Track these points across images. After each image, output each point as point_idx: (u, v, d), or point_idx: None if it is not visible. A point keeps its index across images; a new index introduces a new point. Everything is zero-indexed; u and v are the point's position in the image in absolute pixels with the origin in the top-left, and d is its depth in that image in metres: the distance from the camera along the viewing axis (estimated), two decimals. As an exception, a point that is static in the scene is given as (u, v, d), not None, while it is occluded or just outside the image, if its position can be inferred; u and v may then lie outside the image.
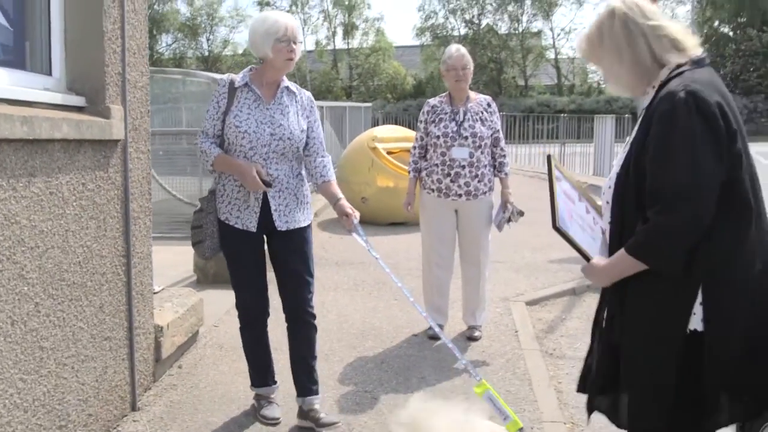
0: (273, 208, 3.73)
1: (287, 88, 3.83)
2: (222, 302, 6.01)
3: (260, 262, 3.86)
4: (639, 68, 2.39)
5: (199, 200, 3.87)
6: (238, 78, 3.75)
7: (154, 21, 44.11)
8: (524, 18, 43.29)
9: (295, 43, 3.69)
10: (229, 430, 3.86)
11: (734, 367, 2.27)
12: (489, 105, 5.29)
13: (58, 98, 3.45)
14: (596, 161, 15.63)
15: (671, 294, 2.29)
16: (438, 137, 5.12)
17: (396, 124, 24.15)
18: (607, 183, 2.46)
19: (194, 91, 12.98)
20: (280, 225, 3.76)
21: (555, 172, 2.62)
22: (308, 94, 3.94)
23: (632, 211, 2.32)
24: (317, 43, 44.93)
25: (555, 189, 2.55)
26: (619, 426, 2.57)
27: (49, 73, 3.55)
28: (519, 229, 5.75)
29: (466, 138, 5.08)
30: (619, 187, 2.39)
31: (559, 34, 44.00)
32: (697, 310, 2.26)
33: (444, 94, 5.39)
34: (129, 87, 3.87)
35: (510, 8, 43.03)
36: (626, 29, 2.38)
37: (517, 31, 43.05)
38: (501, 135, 5.30)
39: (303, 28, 43.82)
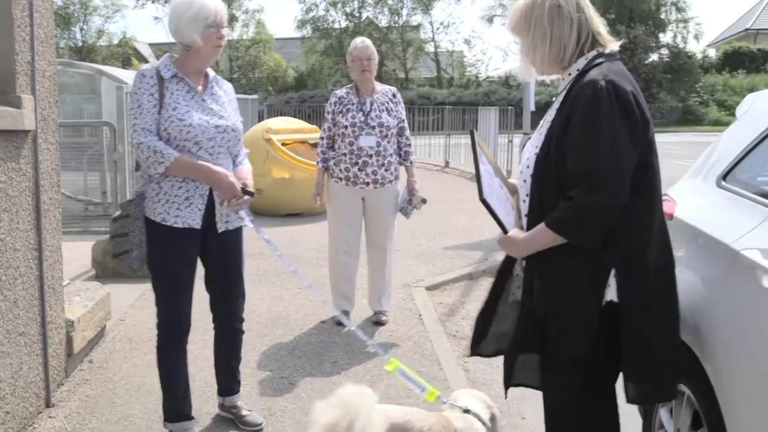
0: (216, 206, 3.48)
1: (215, 77, 3.62)
2: (125, 296, 5.92)
3: (194, 266, 3.53)
4: (560, 52, 2.53)
5: (121, 205, 3.48)
6: (161, 67, 3.41)
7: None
8: (404, 12, 43.77)
9: (223, 27, 3.44)
10: (150, 420, 3.84)
11: (648, 342, 2.44)
12: (394, 96, 5.43)
13: (-33, 88, 3.35)
14: (480, 151, 16.04)
15: (587, 267, 2.43)
16: (346, 127, 5.22)
17: (280, 115, 24.08)
18: (524, 163, 2.58)
19: (75, 82, 12.58)
20: (220, 225, 3.52)
21: (477, 148, 2.70)
22: (228, 84, 3.77)
23: (552, 189, 2.45)
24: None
25: (479, 163, 2.63)
26: (534, 387, 2.73)
27: (-44, 62, 3.43)
28: (414, 218, 5.92)
29: (374, 128, 5.20)
30: (539, 167, 2.50)
31: (438, 28, 44.73)
32: (612, 282, 2.42)
33: (350, 85, 5.48)
34: (38, 76, 3.77)
35: (390, 1, 43.44)
36: (559, 14, 2.51)
37: (397, 24, 43.50)
38: (406, 125, 5.44)
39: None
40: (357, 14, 44.08)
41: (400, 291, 6.37)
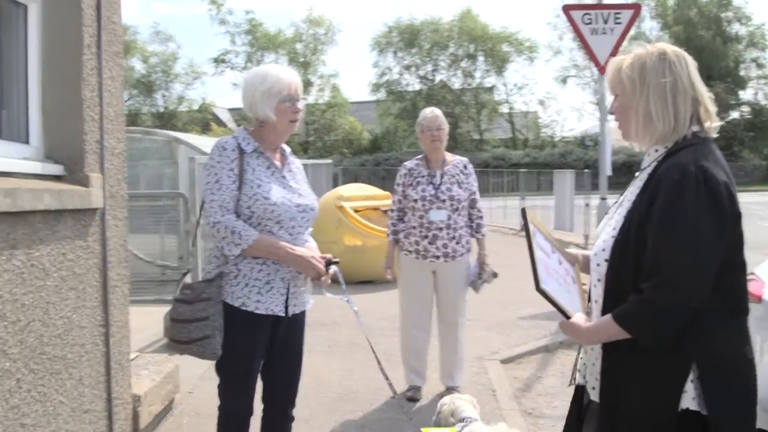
0: (291, 290, 3.32)
1: (290, 152, 3.51)
2: (194, 366, 5.86)
3: (264, 352, 3.36)
4: (664, 128, 2.31)
5: (197, 285, 3.25)
6: (241, 141, 3.27)
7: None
8: (477, 74, 44.13)
9: (299, 100, 3.33)
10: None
11: None
12: (465, 167, 5.33)
13: (37, 167, 3.40)
14: (557, 214, 15.82)
15: (663, 374, 2.24)
16: (416, 200, 5.15)
17: (355, 179, 24.29)
18: (599, 245, 2.41)
19: (155, 147, 12.94)
20: (292, 309, 3.34)
21: (531, 227, 2.52)
22: (298, 159, 3.65)
23: (629, 278, 2.27)
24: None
25: (534, 246, 2.46)
26: None
27: (27, 142, 3.49)
28: (487, 285, 5.77)
29: (444, 201, 5.11)
30: (615, 252, 2.33)
31: (512, 89, 44.73)
32: (688, 387, 2.21)
33: (420, 156, 5.42)
34: (107, 154, 3.82)
35: (463, 64, 43.86)
36: (674, 87, 2.29)
37: (470, 87, 43.81)
38: (477, 196, 5.34)
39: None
40: (431, 77, 44.63)
41: (473, 364, 6.18)
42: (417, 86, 44.62)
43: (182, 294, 3.27)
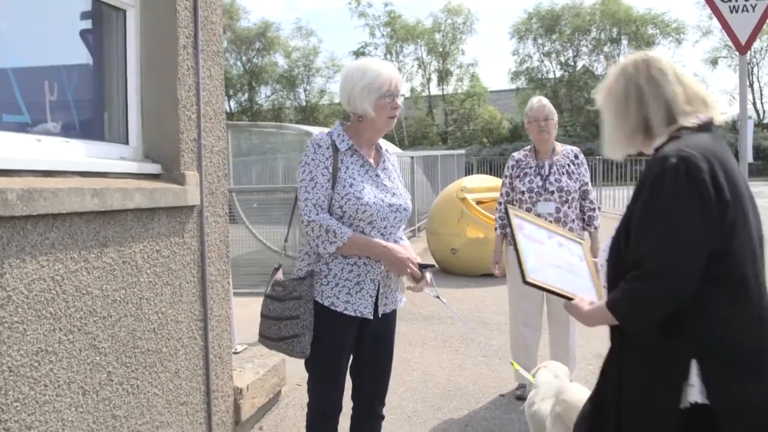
0: (381, 290, 3.30)
1: (386, 150, 3.46)
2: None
3: (352, 351, 3.36)
4: (643, 129, 2.41)
5: (288, 283, 3.24)
6: (335, 138, 3.27)
7: (253, 74, 45.55)
8: (621, 58, 42.61)
9: (398, 97, 3.27)
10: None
11: None
12: (576, 156, 5.13)
13: (133, 167, 3.52)
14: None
15: (663, 366, 2.25)
16: (523, 192, 5.00)
17: (491, 169, 24.00)
18: (604, 245, 2.48)
19: (288, 141, 13.33)
20: (382, 308, 3.32)
21: (515, 222, 2.68)
22: (394, 156, 3.59)
23: (625, 274, 2.29)
24: (412, 89, 45.25)
25: (518, 241, 2.61)
26: None
27: (126, 143, 3.63)
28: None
29: (552, 192, 4.93)
30: (613, 252, 2.39)
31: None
32: (695, 381, 2.19)
33: (528, 147, 5.26)
34: (205, 152, 3.91)
35: (606, 49, 42.49)
36: (628, 91, 2.41)
37: (614, 72, 42.36)
38: (590, 187, 5.12)
39: (397, 76, 44.42)
40: (572, 63, 43.51)
41: (591, 362, 5.96)
42: (558, 73, 43.66)
43: (273, 291, 3.28)
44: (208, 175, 3.98)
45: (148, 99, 3.68)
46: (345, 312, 3.20)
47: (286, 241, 3.59)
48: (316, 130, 13.59)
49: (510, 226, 2.65)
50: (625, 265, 2.28)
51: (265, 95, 47.42)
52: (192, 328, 3.80)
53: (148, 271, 3.39)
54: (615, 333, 2.41)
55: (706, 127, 2.35)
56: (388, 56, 43.67)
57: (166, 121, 3.67)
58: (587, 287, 2.65)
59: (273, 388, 4.91)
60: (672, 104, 2.37)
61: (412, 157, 12.42)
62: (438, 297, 3.44)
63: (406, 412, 4.95)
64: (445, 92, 44.93)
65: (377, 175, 3.30)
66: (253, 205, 10.19)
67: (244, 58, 46.15)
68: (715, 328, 2.20)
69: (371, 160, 3.32)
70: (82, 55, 3.59)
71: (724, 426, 2.17)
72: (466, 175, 15.05)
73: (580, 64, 43.29)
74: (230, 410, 4.25)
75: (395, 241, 3.33)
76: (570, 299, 2.50)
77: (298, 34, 49.33)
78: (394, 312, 3.45)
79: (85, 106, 3.55)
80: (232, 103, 46.12)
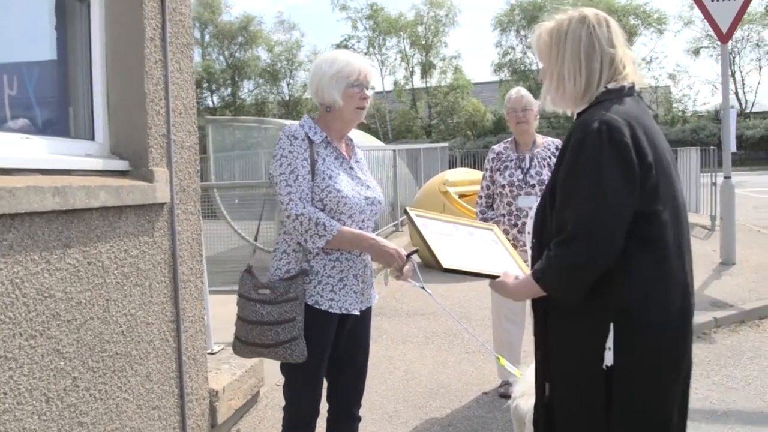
0: (360, 285, 3.22)
1: (354, 142, 3.41)
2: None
3: (330, 349, 3.24)
4: (578, 87, 2.39)
5: (279, 284, 3.09)
6: (307, 130, 3.17)
7: (236, 68, 45.31)
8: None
9: (368, 88, 3.21)
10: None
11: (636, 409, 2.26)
12: (558, 148, 5.04)
13: (99, 164, 3.40)
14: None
15: (584, 319, 2.28)
16: (503, 186, 4.91)
17: (474, 162, 23.94)
18: (531, 212, 2.58)
19: (269, 135, 13.23)
20: (360, 305, 3.23)
21: (418, 222, 2.77)
22: (360, 151, 3.53)
23: (550, 243, 2.33)
24: (395, 83, 45.22)
25: (425, 236, 2.70)
26: None
27: (92, 139, 3.51)
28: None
29: (533, 186, 4.85)
30: (537, 219, 2.43)
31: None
32: (611, 344, 2.23)
33: (509, 139, 5.17)
34: (175, 148, 3.80)
35: (590, 40, 42.52)
36: (591, 44, 2.37)
37: (598, 63, 42.42)
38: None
39: (381, 69, 44.27)
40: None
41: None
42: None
43: (260, 295, 3.13)
44: (179, 171, 3.86)
45: (114, 94, 3.56)
46: (330, 310, 3.10)
47: (255, 240, 3.48)
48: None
49: (414, 226, 2.72)
50: (551, 232, 2.31)
51: (248, 90, 47.23)
52: (164, 330, 3.69)
53: (116, 272, 3.28)
54: (537, 304, 2.44)
55: (629, 91, 2.37)
56: (371, 49, 43.59)
57: (133, 116, 3.56)
58: (510, 265, 2.71)
59: (251, 389, 4.81)
60: (618, 65, 2.38)
61: (395, 150, 12.31)
62: (423, 288, 3.33)
63: (387, 411, 4.87)
64: (428, 85, 44.89)
65: (351, 168, 3.24)
66: (234, 201, 10.06)
67: (226, 53, 45.91)
68: (635, 290, 2.21)
69: (345, 153, 3.26)
70: (44, 49, 3.47)
71: (616, 387, 2.23)
72: (449, 169, 14.99)
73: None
74: (205, 413, 4.14)
75: (371, 232, 3.26)
76: (495, 277, 2.54)
77: (280, 27, 49.50)
78: (369, 309, 3.36)
79: (48, 102, 3.43)
80: (214, 98, 45.98)
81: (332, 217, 3.08)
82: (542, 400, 2.52)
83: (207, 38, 45.55)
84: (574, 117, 2.46)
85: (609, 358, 2.22)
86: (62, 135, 3.37)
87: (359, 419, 3.45)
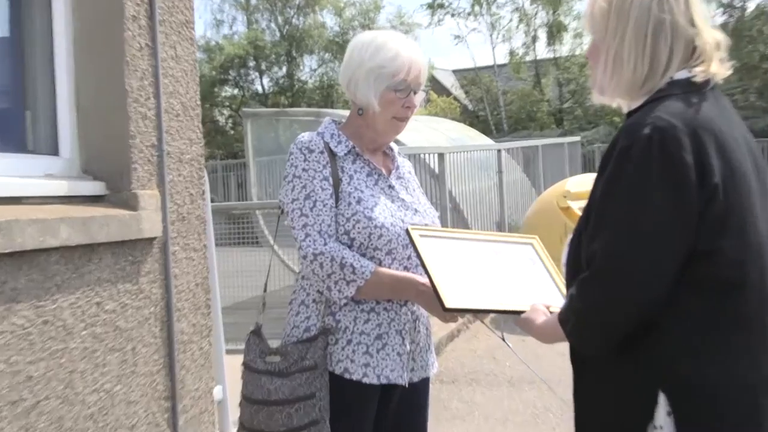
0: (408, 347, 3.18)
1: (398, 152, 3.45)
2: None
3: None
4: (638, 73, 2.39)
5: (291, 349, 3.09)
6: (328, 139, 3.21)
7: (293, 40, 45.89)
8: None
9: (416, 92, 3.20)
10: None
11: None
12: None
13: (63, 187, 3.49)
14: None
15: (623, 398, 2.31)
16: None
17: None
18: (567, 240, 2.57)
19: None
20: (410, 374, 3.19)
21: (421, 244, 2.86)
22: (406, 160, 3.56)
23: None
24: (511, 53, 44.98)
25: (428, 265, 2.81)
26: None
27: (56, 153, 3.62)
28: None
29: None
30: (573, 246, 2.45)
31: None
32: (664, 422, 2.22)
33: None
34: (171, 162, 3.88)
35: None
36: (661, 18, 2.35)
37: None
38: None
39: (491, 36, 44.16)
40: (739, 4, 42.68)
41: None
42: (719, 18, 42.88)
43: (267, 364, 3.14)
44: (176, 194, 3.94)
45: (84, 92, 3.67)
46: (365, 380, 3.08)
47: (264, 291, 3.50)
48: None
49: (416, 251, 2.85)
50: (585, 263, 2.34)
51: (309, 68, 47.74)
52: (153, 411, 3.75)
53: (84, 333, 3.35)
54: (574, 353, 2.48)
55: (704, 86, 2.36)
56: (476, 8, 43.50)
57: (110, 122, 3.65)
58: (546, 293, 2.81)
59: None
60: (697, 49, 2.37)
61: (500, 151, 12.27)
62: (503, 339, 3.29)
63: None
64: (557, 55, 44.55)
65: (391, 187, 3.26)
66: (285, 223, 10.19)
67: (280, 19, 46.60)
68: (690, 356, 2.21)
69: (381, 167, 3.28)
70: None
71: None
72: (584, 172, 14.77)
73: (751, 5, 42.41)
74: None
75: (422, 275, 3.17)
76: (519, 312, 2.64)
77: (352, -17, 49.70)
78: (426, 381, 3.36)
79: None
80: (264, 80, 46.65)
81: (364, 255, 3.08)
82: None
83: (253, 0, 46.38)
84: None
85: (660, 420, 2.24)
86: (14, 149, 3.47)
87: None
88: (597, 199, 2.32)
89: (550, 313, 2.62)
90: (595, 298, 2.25)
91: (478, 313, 2.77)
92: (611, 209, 2.25)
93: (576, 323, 2.34)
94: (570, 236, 2.49)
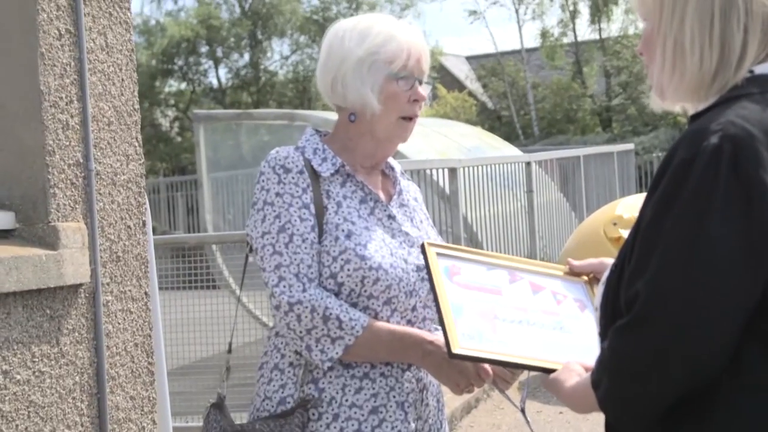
0: (411, 423, 3.20)
1: (401, 171, 3.47)
2: None
3: None
4: (706, 62, 2.31)
5: (261, 427, 3.10)
6: (310, 155, 3.21)
7: (258, 18, 46.01)
8: None
9: (422, 82, 3.21)
10: None
11: None
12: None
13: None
14: None
15: None
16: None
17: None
18: (603, 277, 2.58)
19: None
20: None
21: (439, 264, 2.86)
22: (413, 184, 3.58)
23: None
24: (544, 34, 45.21)
25: (443, 293, 2.77)
26: None
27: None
28: None
29: None
30: (610, 286, 2.42)
31: None
32: None
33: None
34: (101, 185, 3.88)
35: None
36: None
37: None
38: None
39: (517, 13, 44.39)
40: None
41: None
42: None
43: None
44: (108, 227, 3.95)
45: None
46: None
47: (229, 351, 3.50)
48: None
49: (428, 271, 2.83)
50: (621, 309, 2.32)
51: (280, 55, 47.89)
52: None
53: (-16, 414, 3.36)
54: (609, 428, 2.46)
55: None
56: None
57: (21, 133, 3.66)
58: (588, 347, 2.76)
59: None
60: None
61: (529, 163, 12.30)
62: (523, 412, 3.29)
63: None
64: (604, 36, 44.80)
65: (391, 217, 3.26)
66: (252, 261, 10.21)
67: (241, -8, 46.82)
68: (756, 418, 2.16)
69: (378, 192, 3.28)
70: None
71: None
72: (639, 191, 14.77)
73: None
74: None
75: (431, 330, 3.24)
76: (551, 371, 2.61)
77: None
78: None
79: None
80: (221, 71, 46.77)
81: (355, 305, 3.09)
82: None
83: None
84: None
85: None
86: None
87: None
88: (645, 224, 2.25)
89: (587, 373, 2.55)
90: (634, 353, 2.19)
91: (495, 363, 2.71)
92: (662, 239, 2.18)
93: (610, 387, 2.27)
94: (607, 273, 2.48)
